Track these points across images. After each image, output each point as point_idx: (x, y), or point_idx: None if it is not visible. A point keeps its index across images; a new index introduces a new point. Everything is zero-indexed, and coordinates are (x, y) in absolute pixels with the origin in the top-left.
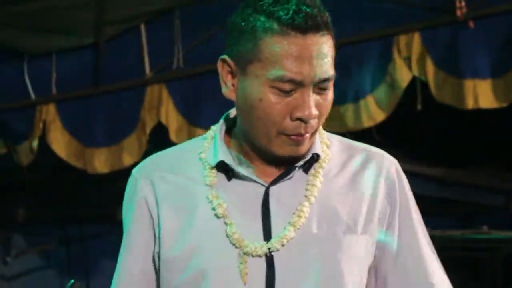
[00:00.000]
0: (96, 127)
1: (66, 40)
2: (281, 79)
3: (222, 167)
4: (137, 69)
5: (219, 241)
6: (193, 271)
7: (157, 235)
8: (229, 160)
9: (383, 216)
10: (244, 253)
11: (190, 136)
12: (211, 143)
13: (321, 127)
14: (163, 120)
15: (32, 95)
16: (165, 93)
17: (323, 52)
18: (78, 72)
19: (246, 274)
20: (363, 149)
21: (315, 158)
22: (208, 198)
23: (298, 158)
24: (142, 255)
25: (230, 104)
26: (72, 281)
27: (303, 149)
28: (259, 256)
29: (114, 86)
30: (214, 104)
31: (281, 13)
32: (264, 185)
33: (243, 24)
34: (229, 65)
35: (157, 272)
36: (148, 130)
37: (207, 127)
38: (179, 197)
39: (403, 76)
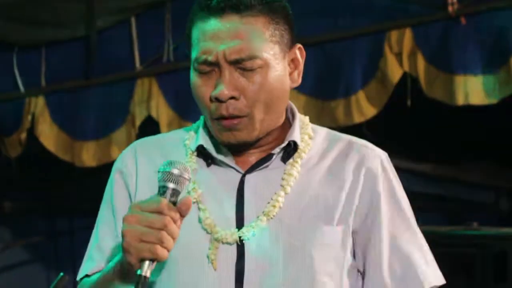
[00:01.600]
0: (85, 120)
1: (56, 32)
2: (198, 60)
3: (203, 153)
4: (127, 62)
5: (191, 226)
6: None
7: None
8: (208, 145)
9: (363, 209)
10: (215, 239)
11: None
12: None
13: (304, 118)
14: (154, 114)
15: (21, 87)
16: (155, 87)
17: (239, 31)
18: (67, 65)
19: (214, 260)
20: (348, 140)
21: (292, 147)
22: None
23: (273, 146)
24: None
25: None
26: (62, 274)
27: (242, 135)
28: (230, 243)
29: (104, 79)
30: None
31: (202, 1)
32: (240, 172)
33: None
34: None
35: None
36: (137, 124)
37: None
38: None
39: (394, 72)
